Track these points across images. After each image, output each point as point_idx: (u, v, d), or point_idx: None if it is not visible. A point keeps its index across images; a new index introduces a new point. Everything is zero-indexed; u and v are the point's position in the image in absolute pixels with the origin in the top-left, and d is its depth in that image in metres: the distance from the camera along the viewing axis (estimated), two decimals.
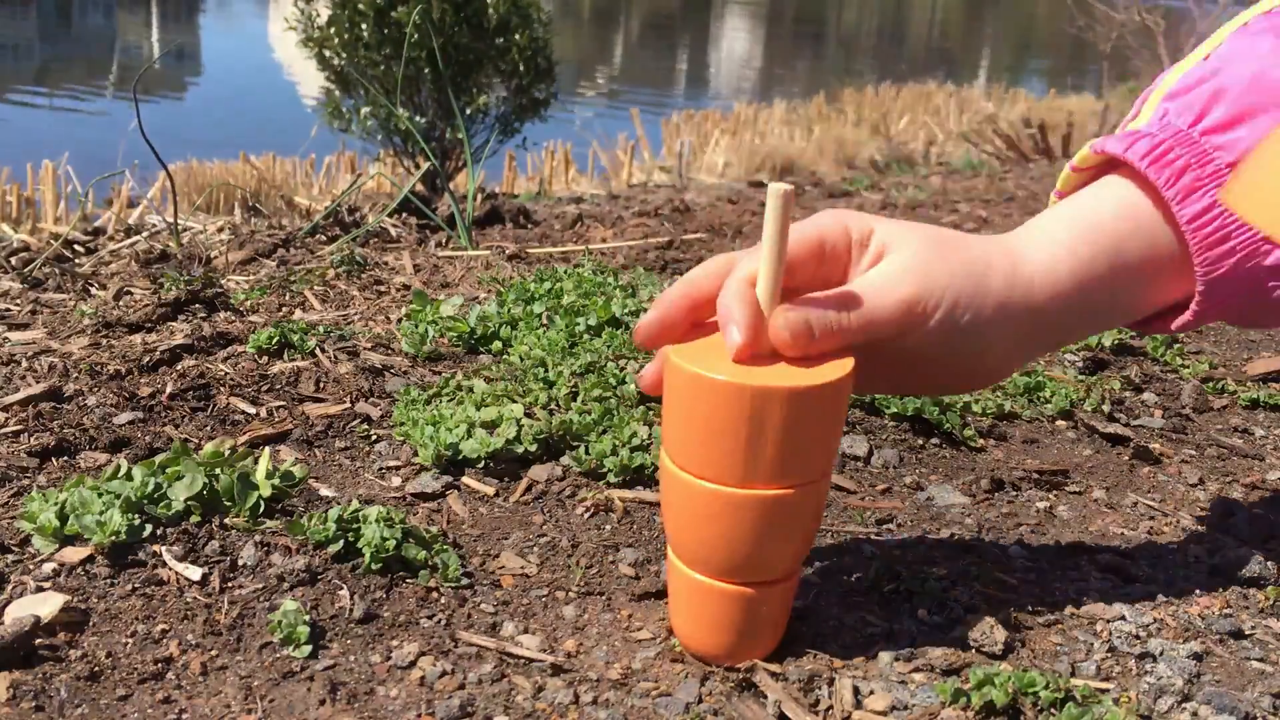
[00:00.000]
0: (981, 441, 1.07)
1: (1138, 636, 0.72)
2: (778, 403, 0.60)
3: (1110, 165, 0.71)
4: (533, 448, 0.93)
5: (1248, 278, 0.66)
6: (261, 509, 0.80)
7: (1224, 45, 0.69)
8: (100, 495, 0.77)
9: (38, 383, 1.02)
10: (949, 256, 0.65)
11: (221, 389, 1.04)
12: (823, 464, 0.64)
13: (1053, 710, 0.63)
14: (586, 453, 0.92)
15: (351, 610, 0.71)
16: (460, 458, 0.92)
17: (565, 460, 0.94)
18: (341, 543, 0.75)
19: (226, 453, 0.87)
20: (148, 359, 1.10)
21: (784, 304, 0.62)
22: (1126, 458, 1.07)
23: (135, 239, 1.89)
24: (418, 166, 3.50)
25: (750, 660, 0.66)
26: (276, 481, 0.83)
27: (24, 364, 1.08)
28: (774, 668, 0.66)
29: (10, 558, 0.74)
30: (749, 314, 0.61)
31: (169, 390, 1.03)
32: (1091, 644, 0.71)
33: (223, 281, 1.48)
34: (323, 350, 1.16)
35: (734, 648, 0.66)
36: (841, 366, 0.62)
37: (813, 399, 0.61)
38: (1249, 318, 0.70)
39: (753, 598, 0.65)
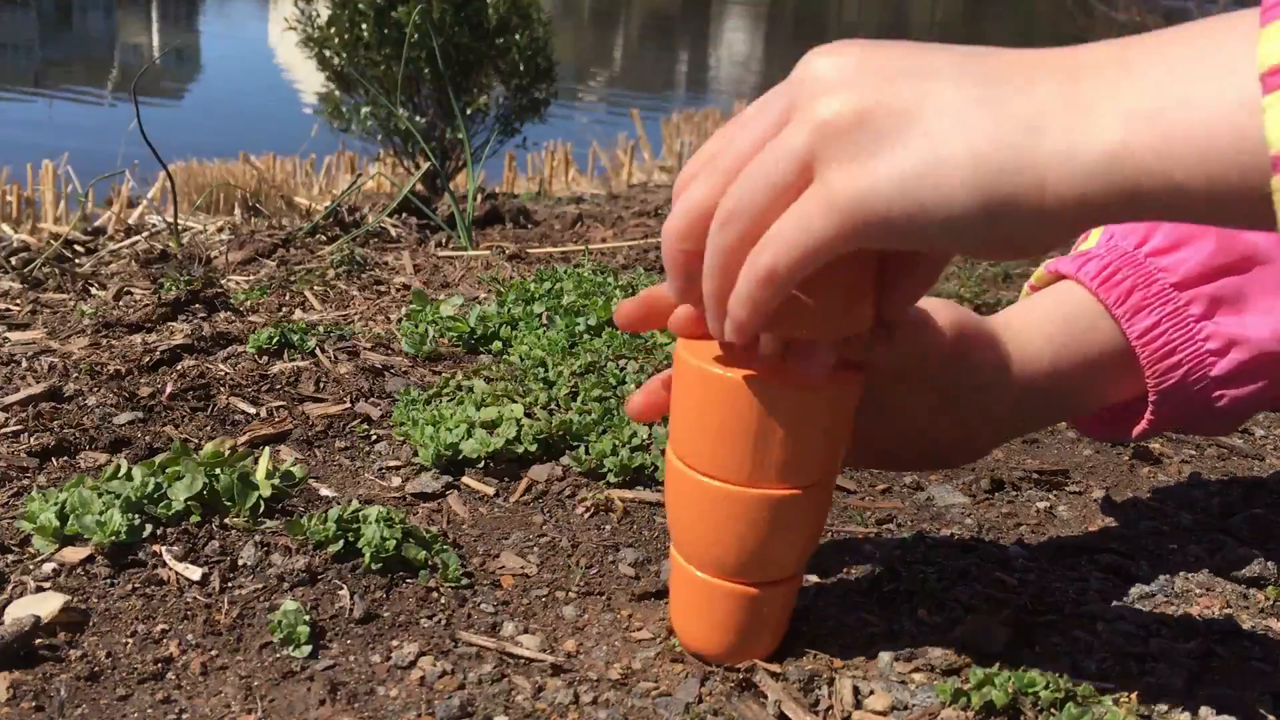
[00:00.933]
0: None
1: (1138, 636, 0.72)
2: (787, 401, 0.60)
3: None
4: (533, 448, 0.93)
5: (1196, 387, 0.70)
6: (261, 509, 0.80)
7: None
8: (100, 495, 0.77)
9: (38, 383, 1.02)
10: (955, 306, 0.69)
11: (221, 389, 1.04)
12: (830, 465, 0.64)
13: (1053, 710, 0.63)
14: (586, 453, 0.92)
15: (351, 610, 0.71)
16: (460, 458, 0.92)
17: (565, 460, 0.94)
18: (341, 543, 0.75)
19: (226, 453, 0.87)
20: (148, 359, 1.10)
21: None
22: (1126, 458, 1.07)
23: (135, 239, 1.89)
24: (418, 166, 3.50)
25: (751, 660, 0.67)
26: (276, 481, 0.83)
27: (24, 364, 1.08)
28: (774, 668, 0.66)
29: (10, 558, 0.74)
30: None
31: (169, 390, 1.03)
32: (1091, 644, 0.71)
33: (223, 281, 1.48)
34: (323, 350, 1.16)
35: (735, 647, 0.66)
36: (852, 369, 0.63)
37: (822, 399, 0.61)
38: (1205, 425, 0.74)
39: (756, 598, 0.65)
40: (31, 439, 0.91)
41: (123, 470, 0.81)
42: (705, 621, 0.66)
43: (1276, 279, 0.68)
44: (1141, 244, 0.70)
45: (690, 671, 0.66)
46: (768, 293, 0.51)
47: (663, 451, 0.93)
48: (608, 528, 0.84)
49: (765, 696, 0.64)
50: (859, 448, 0.71)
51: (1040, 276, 0.75)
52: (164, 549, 0.75)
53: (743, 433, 0.60)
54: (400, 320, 1.31)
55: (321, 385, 1.07)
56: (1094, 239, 0.74)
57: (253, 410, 1.01)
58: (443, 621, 0.71)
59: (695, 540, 0.65)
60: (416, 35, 3.33)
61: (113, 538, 0.74)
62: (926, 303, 0.66)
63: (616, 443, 0.93)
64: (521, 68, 3.70)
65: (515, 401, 1.01)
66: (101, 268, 1.64)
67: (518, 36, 3.66)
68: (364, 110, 3.68)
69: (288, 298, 1.42)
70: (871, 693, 0.64)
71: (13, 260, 1.60)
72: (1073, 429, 0.80)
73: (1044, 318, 0.71)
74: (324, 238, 1.91)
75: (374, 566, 0.74)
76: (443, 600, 0.73)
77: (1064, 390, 0.71)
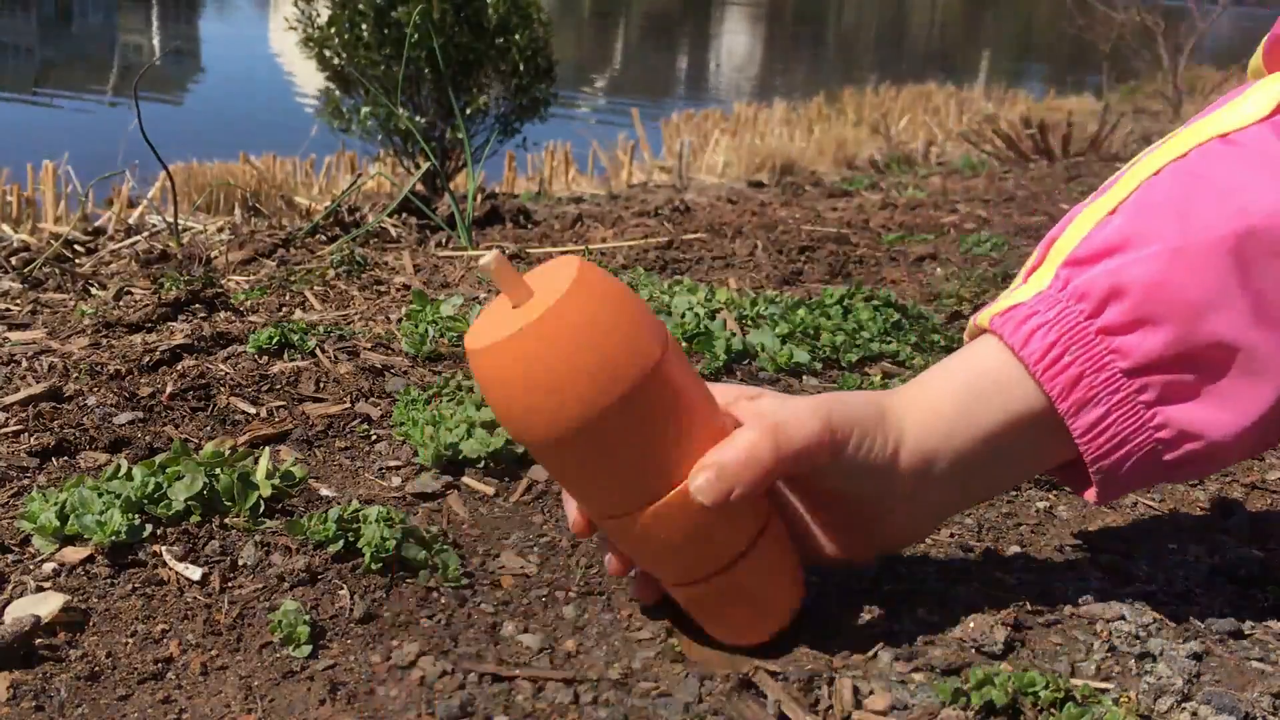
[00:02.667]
0: None
1: (1138, 636, 0.72)
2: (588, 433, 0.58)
3: None
4: None
5: (1147, 469, 0.67)
6: (261, 509, 0.80)
7: (1133, 202, 0.67)
8: (100, 495, 0.77)
9: (38, 383, 1.02)
10: (845, 397, 0.66)
11: (221, 389, 1.04)
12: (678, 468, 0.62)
13: (1053, 710, 0.63)
14: None
15: (351, 610, 0.71)
16: (460, 458, 0.92)
17: None
18: (341, 543, 0.75)
19: (226, 453, 0.87)
20: (148, 359, 1.10)
21: (699, 463, 0.61)
22: None
23: (135, 239, 1.89)
24: (418, 166, 3.50)
25: (792, 610, 0.68)
26: (276, 481, 0.83)
27: (24, 364, 1.08)
28: (774, 668, 0.66)
29: (10, 558, 0.74)
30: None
31: (169, 390, 1.03)
32: (1091, 644, 0.71)
33: (223, 281, 1.48)
34: (323, 350, 1.16)
35: (762, 619, 0.68)
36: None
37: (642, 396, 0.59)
38: (1160, 482, 0.72)
39: (752, 557, 0.65)
40: (31, 439, 0.91)
41: (123, 470, 0.81)
42: (720, 615, 0.67)
43: (1244, 368, 0.63)
44: (1095, 315, 0.64)
45: (690, 671, 0.66)
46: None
47: None
48: None
49: (765, 696, 0.64)
50: (808, 549, 0.71)
51: (983, 321, 0.69)
52: (164, 549, 0.75)
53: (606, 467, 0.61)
54: (400, 320, 1.31)
55: (321, 385, 1.07)
56: (1047, 273, 0.67)
57: (253, 410, 1.01)
58: (443, 621, 0.71)
59: (671, 564, 0.66)
60: (416, 35, 3.33)
61: (113, 538, 0.74)
62: (791, 408, 0.64)
63: None
64: (521, 68, 3.70)
65: None
66: (101, 268, 1.64)
67: (518, 36, 3.66)
68: (364, 110, 3.68)
69: (288, 298, 1.42)
70: (871, 693, 0.64)
71: (13, 260, 1.60)
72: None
73: (965, 399, 0.67)
74: (324, 238, 1.91)
75: (374, 566, 0.74)
76: (443, 600, 0.73)
77: (994, 462, 0.68)
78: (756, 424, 0.63)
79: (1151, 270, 0.63)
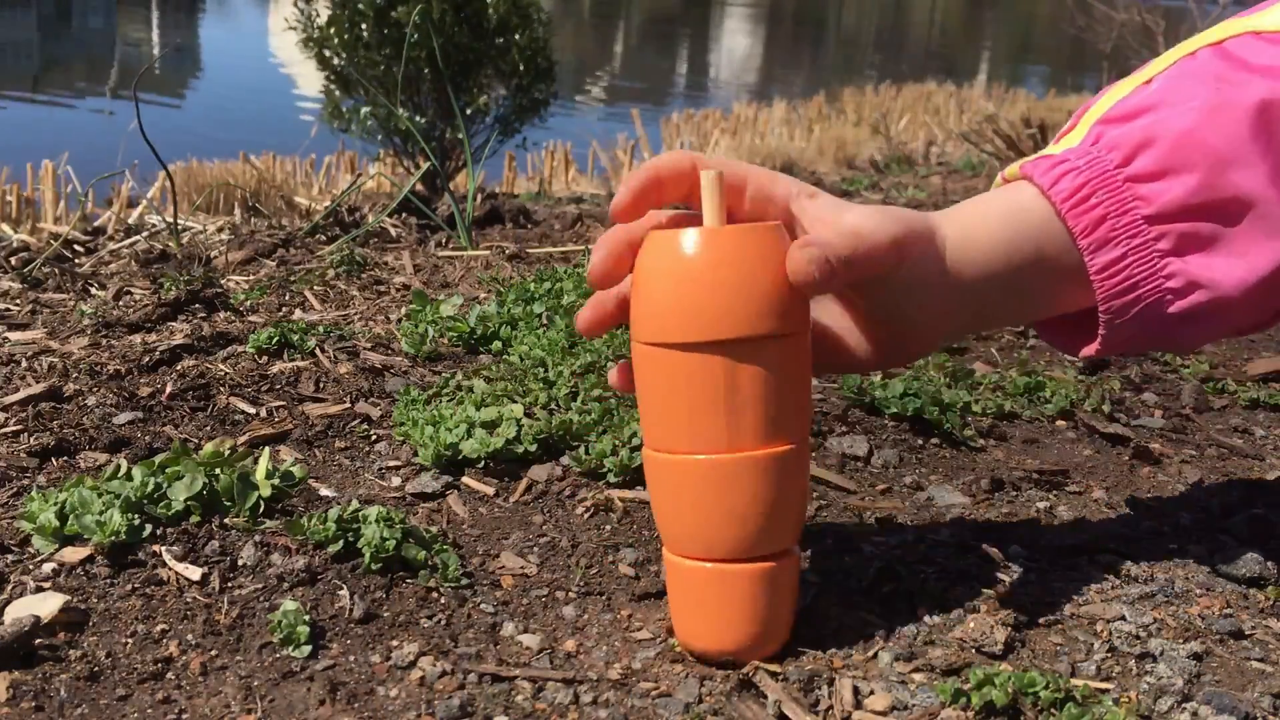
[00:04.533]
0: (981, 441, 1.07)
1: (1138, 636, 0.72)
2: (744, 355, 0.61)
3: None
4: (533, 448, 0.93)
5: (1151, 322, 0.69)
6: (261, 509, 0.80)
7: (1168, 73, 0.71)
8: (100, 495, 0.77)
9: (38, 383, 1.02)
10: (907, 212, 0.69)
11: (221, 389, 1.04)
12: (803, 423, 0.65)
13: (1053, 710, 0.63)
14: (586, 453, 0.92)
15: (351, 610, 0.71)
16: (460, 458, 0.92)
17: (565, 460, 0.94)
18: (341, 543, 0.75)
19: (226, 453, 0.87)
20: (148, 359, 1.10)
21: (798, 240, 0.64)
22: (1126, 458, 1.07)
23: (135, 239, 1.89)
24: (418, 166, 3.50)
25: (768, 651, 0.67)
26: (276, 481, 0.83)
27: (24, 364, 1.08)
28: (774, 668, 0.66)
29: (10, 558, 0.74)
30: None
31: (169, 390, 1.03)
32: (1091, 644, 0.71)
33: (223, 281, 1.48)
34: (323, 350, 1.16)
35: (752, 633, 0.66)
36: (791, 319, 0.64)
37: (779, 348, 0.63)
38: (1158, 348, 0.73)
39: (758, 573, 0.65)
40: (31, 439, 0.91)
41: (123, 470, 0.81)
42: (715, 615, 0.66)
43: (1257, 224, 0.66)
44: (1124, 163, 0.68)
45: (690, 671, 0.66)
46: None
47: None
48: (608, 528, 0.84)
49: (765, 696, 0.64)
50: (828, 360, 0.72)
51: (1013, 173, 0.73)
52: (164, 549, 0.75)
53: (714, 400, 0.62)
54: (400, 320, 1.31)
55: (321, 385, 1.07)
56: (1079, 134, 0.72)
57: (253, 410, 1.01)
58: (443, 621, 0.71)
59: (690, 525, 0.65)
60: (416, 35, 3.33)
61: (113, 538, 0.74)
62: (861, 209, 0.66)
63: (616, 443, 0.93)
64: (521, 68, 3.70)
65: (515, 401, 1.01)
66: (101, 268, 1.64)
67: (518, 36, 3.66)
68: (364, 110, 3.67)
69: (288, 298, 1.42)
70: (871, 693, 0.64)
71: (13, 260, 1.60)
72: (1035, 334, 0.79)
73: (999, 224, 0.70)
74: (324, 238, 1.91)
75: (374, 566, 0.74)
76: (443, 600, 0.73)
77: (1011, 291, 0.70)
78: (835, 228, 0.65)
79: (1183, 123, 0.67)
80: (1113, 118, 0.70)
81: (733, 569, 0.65)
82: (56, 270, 1.52)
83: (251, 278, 1.54)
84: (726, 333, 0.62)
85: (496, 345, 1.21)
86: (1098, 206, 0.67)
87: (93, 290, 1.45)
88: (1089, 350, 0.72)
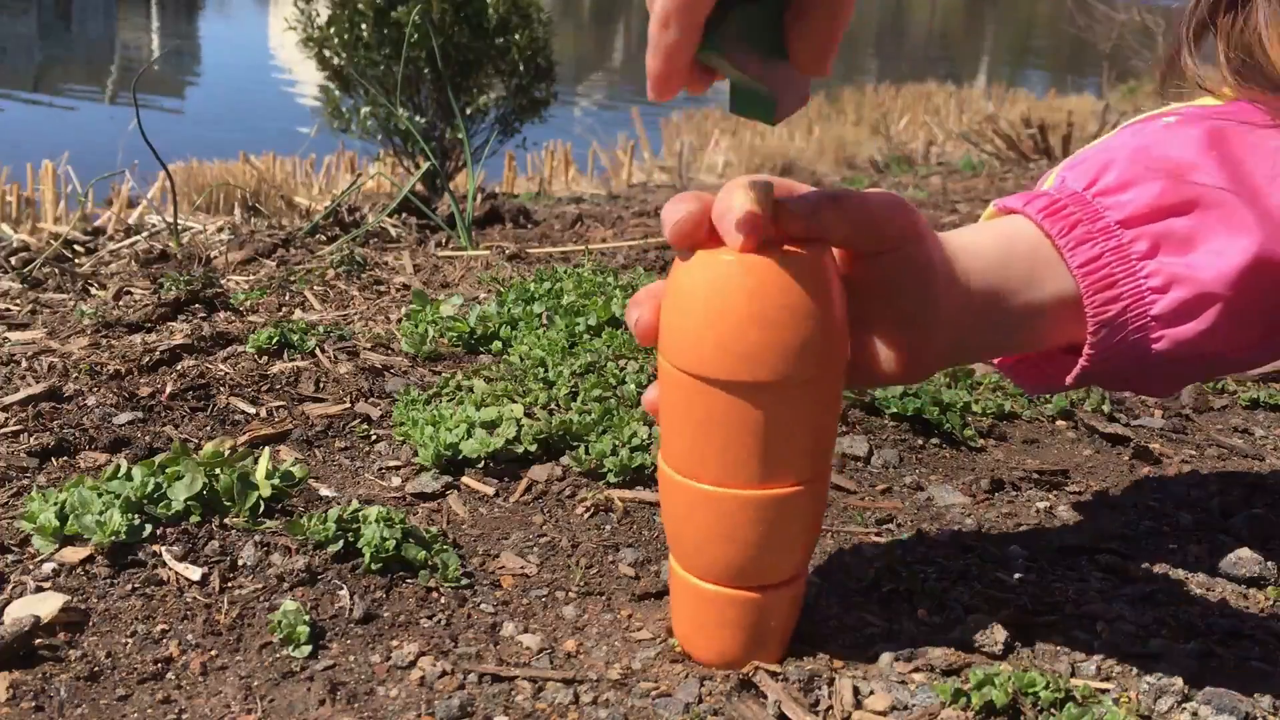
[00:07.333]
0: (981, 441, 1.07)
1: (1138, 636, 0.72)
2: (768, 395, 0.60)
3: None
4: (533, 448, 0.93)
5: (1135, 324, 0.69)
6: (261, 509, 0.80)
7: (1117, 133, 0.76)
8: (100, 495, 0.77)
9: (38, 383, 1.02)
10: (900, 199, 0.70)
11: (221, 389, 1.04)
12: (824, 460, 0.64)
13: (1053, 710, 0.63)
14: (586, 453, 0.92)
15: (351, 610, 0.71)
16: (460, 458, 0.92)
17: (565, 460, 0.94)
18: (341, 543, 0.75)
19: (226, 453, 0.87)
20: (148, 359, 1.10)
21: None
22: (1126, 458, 1.07)
23: (135, 239, 1.89)
24: (418, 166, 3.50)
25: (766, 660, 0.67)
26: (276, 481, 0.83)
27: (24, 364, 1.08)
28: (774, 668, 0.66)
29: (10, 558, 0.74)
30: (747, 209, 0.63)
31: (169, 390, 1.03)
32: (1091, 644, 0.71)
33: (223, 281, 1.48)
34: (323, 350, 1.16)
35: (743, 654, 0.66)
36: (833, 358, 0.62)
37: (801, 392, 0.61)
38: (1146, 379, 0.73)
39: (761, 602, 0.65)
40: (31, 439, 0.91)
41: (123, 470, 0.81)
42: (711, 630, 0.66)
43: (1225, 222, 0.68)
44: (1089, 185, 0.71)
45: (690, 671, 0.66)
46: (666, 35, 0.56)
47: None
48: (608, 528, 0.84)
49: (765, 696, 0.64)
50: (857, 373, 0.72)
51: (990, 214, 0.76)
52: (164, 549, 0.75)
53: (731, 432, 0.61)
54: (400, 320, 1.31)
55: (321, 385, 1.07)
56: (1047, 184, 0.75)
57: (253, 410, 1.01)
58: (443, 621, 0.71)
59: (700, 550, 0.65)
60: (416, 35, 3.33)
61: (113, 538, 0.74)
62: (873, 193, 0.67)
63: (616, 443, 0.93)
64: (521, 68, 3.70)
65: (515, 401, 1.01)
66: (101, 268, 1.64)
67: (517, 36, 3.66)
68: (364, 110, 3.68)
69: (288, 298, 1.42)
70: (871, 693, 0.64)
71: (13, 260, 1.60)
72: (1007, 377, 0.79)
73: (989, 243, 0.71)
74: (324, 238, 1.91)
75: (374, 566, 0.74)
76: (443, 600, 0.73)
77: (1001, 313, 0.70)
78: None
79: (1135, 143, 0.71)
80: (1074, 164, 0.74)
81: (732, 593, 0.65)
82: (56, 270, 1.52)
83: (251, 278, 1.54)
84: (765, 375, 0.60)
85: (496, 345, 1.21)
86: (1071, 214, 0.69)
87: (93, 290, 1.45)
88: (1076, 370, 0.71)
